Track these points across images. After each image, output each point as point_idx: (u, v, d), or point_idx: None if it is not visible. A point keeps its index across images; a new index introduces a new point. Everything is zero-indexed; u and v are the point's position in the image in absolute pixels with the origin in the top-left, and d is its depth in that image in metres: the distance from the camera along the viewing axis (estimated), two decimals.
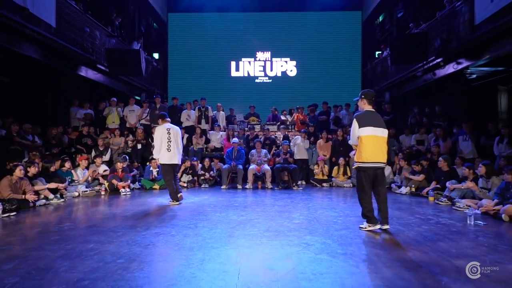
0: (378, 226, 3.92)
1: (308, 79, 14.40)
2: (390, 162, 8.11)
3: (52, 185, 5.88)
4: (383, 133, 3.89)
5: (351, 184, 8.16)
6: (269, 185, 7.91)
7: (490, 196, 5.26)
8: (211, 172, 8.28)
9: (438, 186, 6.43)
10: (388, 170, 7.89)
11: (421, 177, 6.90)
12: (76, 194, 6.52)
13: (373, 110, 4.02)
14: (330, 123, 10.27)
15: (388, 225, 3.96)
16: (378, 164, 3.87)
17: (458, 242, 3.57)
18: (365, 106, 4.02)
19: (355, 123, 3.90)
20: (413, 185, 6.97)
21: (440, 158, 6.67)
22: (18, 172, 5.25)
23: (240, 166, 8.05)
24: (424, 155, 7.55)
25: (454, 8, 7.51)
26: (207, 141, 9.57)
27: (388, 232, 3.92)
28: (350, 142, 4.10)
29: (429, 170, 6.99)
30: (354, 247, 3.36)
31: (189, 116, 9.87)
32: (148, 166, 7.85)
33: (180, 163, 6.16)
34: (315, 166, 8.56)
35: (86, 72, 8.58)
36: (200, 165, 8.51)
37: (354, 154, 4.08)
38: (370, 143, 3.81)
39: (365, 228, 3.95)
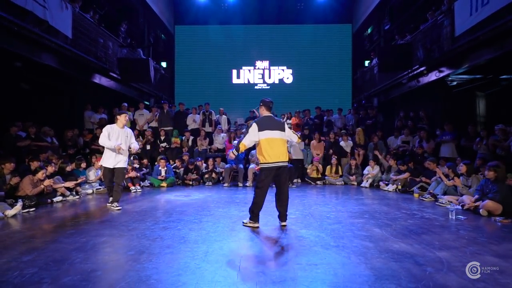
0: (257, 225, 3.85)
1: (303, 86, 14.40)
2: (378, 162, 8.12)
3: (69, 184, 5.87)
4: (280, 135, 3.92)
5: (342, 182, 8.16)
6: None
7: (471, 192, 5.27)
8: (215, 170, 8.27)
9: (424, 182, 6.43)
10: (376, 169, 7.89)
11: (406, 174, 6.91)
12: (90, 191, 6.51)
13: (270, 115, 4.05)
14: (323, 126, 10.27)
15: (286, 222, 3.95)
16: (279, 164, 3.84)
17: (441, 235, 3.57)
18: (263, 112, 4.05)
19: (254, 127, 3.87)
20: (399, 183, 6.98)
21: (428, 161, 6.63)
22: (41, 175, 5.24)
23: (241, 166, 8.04)
24: (408, 157, 7.54)
25: (436, 21, 7.53)
26: (211, 142, 9.57)
27: (379, 226, 3.92)
28: (243, 141, 3.92)
29: (413, 168, 7.00)
30: (345, 240, 3.35)
31: (194, 120, 9.87)
32: (157, 165, 7.83)
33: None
34: (309, 166, 8.55)
35: (99, 79, 8.57)
36: (204, 164, 8.50)
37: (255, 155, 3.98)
38: (270, 145, 3.82)
39: (247, 223, 3.90)
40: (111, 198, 5.08)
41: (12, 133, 6.35)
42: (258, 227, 3.85)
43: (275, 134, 3.88)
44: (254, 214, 3.88)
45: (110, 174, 5.09)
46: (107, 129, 4.96)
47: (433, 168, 6.47)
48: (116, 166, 5.04)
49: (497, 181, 4.66)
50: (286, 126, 4.06)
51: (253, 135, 3.87)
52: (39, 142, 6.75)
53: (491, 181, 4.74)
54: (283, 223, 3.95)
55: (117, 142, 4.93)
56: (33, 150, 6.48)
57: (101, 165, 5.13)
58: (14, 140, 6.34)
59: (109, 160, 5.02)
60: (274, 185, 4.04)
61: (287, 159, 3.96)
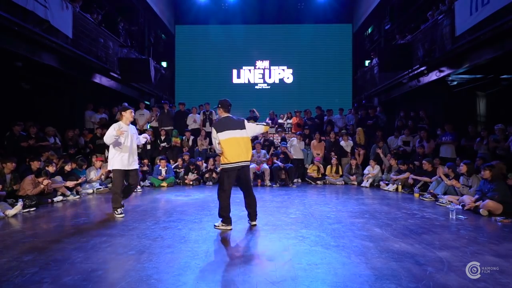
0: (230, 227, 3.77)
1: (303, 86, 14.39)
2: (378, 162, 8.11)
3: (70, 183, 5.88)
4: (241, 133, 3.85)
5: (343, 182, 8.16)
6: (267, 182, 7.90)
7: (471, 192, 5.27)
8: (216, 170, 8.26)
9: (427, 180, 6.44)
10: (376, 169, 7.89)
11: (407, 174, 6.91)
12: (91, 191, 6.51)
13: (229, 115, 3.99)
14: (324, 125, 10.27)
15: (255, 221, 3.93)
16: (241, 163, 3.79)
17: (441, 234, 3.57)
18: (222, 113, 4.00)
19: (213, 131, 3.85)
20: (399, 183, 6.97)
21: (424, 161, 6.66)
22: (42, 179, 5.23)
23: None
24: (408, 159, 7.53)
25: (436, 21, 7.51)
26: (211, 142, 9.55)
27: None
28: (216, 151, 3.93)
29: (413, 168, 7.00)
30: (346, 239, 3.35)
31: (195, 120, 9.87)
32: (157, 165, 7.84)
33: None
34: (310, 166, 8.54)
35: (100, 79, 8.57)
36: (204, 164, 8.50)
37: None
38: (231, 145, 3.76)
39: (219, 226, 3.80)
40: (120, 209, 4.48)
41: (15, 132, 6.37)
42: (231, 229, 3.76)
43: (235, 133, 3.81)
44: (225, 217, 3.80)
45: (122, 177, 4.51)
46: (114, 127, 4.39)
47: (427, 168, 6.50)
48: (131, 168, 4.55)
49: (493, 180, 4.70)
50: (246, 122, 3.98)
51: (214, 139, 3.87)
52: (40, 142, 6.75)
53: (488, 180, 4.77)
54: (253, 223, 3.93)
55: (126, 140, 4.46)
56: (34, 150, 6.49)
57: (110, 170, 4.48)
58: (18, 139, 6.35)
59: (123, 161, 4.42)
60: (239, 188, 3.95)
61: (249, 159, 3.90)
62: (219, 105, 4.03)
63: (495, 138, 6.27)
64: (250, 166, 7.87)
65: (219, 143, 3.83)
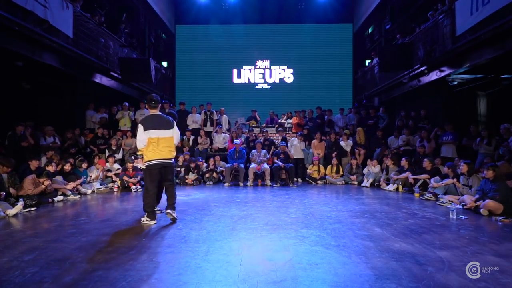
0: (154, 222, 3.95)
1: (304, 86, 14.40)
2: (379, 161, 8.09)
3: (70, 186, 5.88)
4: (167, 133, 3.93)
5: (343, 182, 8.15)
6: (268, 182, 7.90)
7: (472, 192, 5.26)
8: (216, 170, 8.26)
9: (428, 179, 6.43)
10: (377, 168, 7.87)
11: (407, 173, 6.90)
12: (91, 191, 6.51)
13: (157, 113, 4.01)
14: (324, 125, 10.27)
15: (173, 210, 4.05)
16: (164, 161, 3.91)
17: (442, 234, 3.56)
18: (150, 111, 4.03)
19: (140, 128, 3.85)
20: (400, 183, 6.97)
21: (425, 160, 6.67)
22: (42, 180, 5.23)
23: (242, 165, 8.04)
24: (408, 158, 7.51)
25: (437, 21, 7.51)
26: (212, 142, 9.57)
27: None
28: (138, 146, 4.02)
29: (414, 168, 6.99)
30: (346, 239, 3.35)
31: (194, 120, 9.86)
32: None
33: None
34: (310, 166, 8.54)
35: (100, 79, 8.57)
36: (205, 164, 8.50)
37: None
38: (156, 144, 3.84)
39: (144, 221, 3.99)
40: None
41: (17, 132, 6.38)
42: (154, 223, 3.95)
43: (162, 133, 3.89)
44: (148, 212, 3.98)
45: None
46: None
47: (426, 166, 6.50)
48: None
49: (496, 180, 4.69)
50: (175, 124, 4.09)
51: (139, 135, 3.86)
52: (36, 142, 6.75)
53: (490, 180, 4.76)
54: (168, 210, 4.05)
55: None
56: (34, 150, 6.49)
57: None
58: (19, 139, 6.36)
59: None
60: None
61: (172, 157, 4.02)
62: (146, 102, 4.11)
63: (496, 139, 6.27)
64: (250, 166, 7.97)
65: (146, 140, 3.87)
